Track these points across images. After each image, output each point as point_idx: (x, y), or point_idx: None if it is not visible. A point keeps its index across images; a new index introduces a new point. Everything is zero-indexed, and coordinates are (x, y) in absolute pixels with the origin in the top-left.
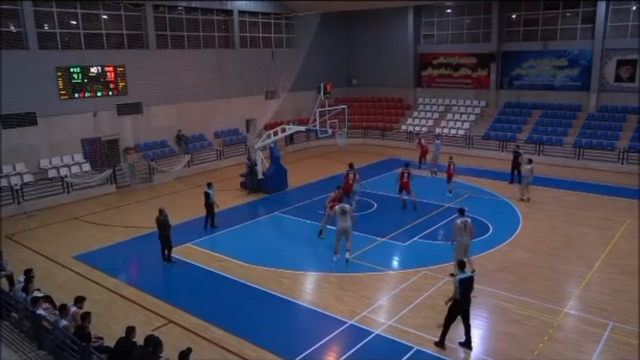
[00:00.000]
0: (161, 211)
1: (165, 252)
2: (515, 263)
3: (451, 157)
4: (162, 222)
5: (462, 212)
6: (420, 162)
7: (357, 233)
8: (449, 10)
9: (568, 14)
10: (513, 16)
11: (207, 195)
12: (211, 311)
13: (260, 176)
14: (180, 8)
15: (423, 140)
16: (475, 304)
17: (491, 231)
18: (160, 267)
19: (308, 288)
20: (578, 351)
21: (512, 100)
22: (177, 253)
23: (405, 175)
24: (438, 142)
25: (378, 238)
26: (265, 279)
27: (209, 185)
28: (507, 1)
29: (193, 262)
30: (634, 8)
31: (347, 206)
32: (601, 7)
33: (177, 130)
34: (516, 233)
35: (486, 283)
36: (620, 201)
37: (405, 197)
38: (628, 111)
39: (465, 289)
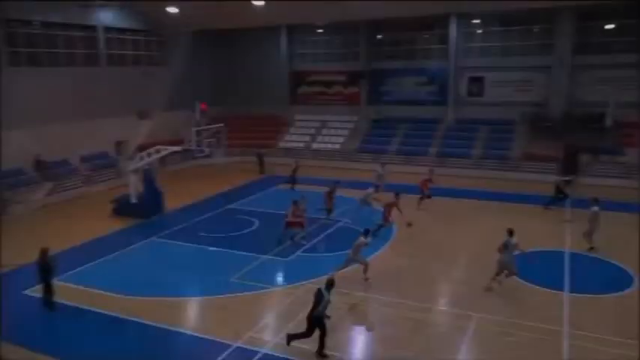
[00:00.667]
0: (44, 253)
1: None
2: (390, 268)
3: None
4: (47, 264)
5: (367, 233)
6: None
7: (238, 252)
8: (320, 30)
9: (426, 36)
10: (379, 37)
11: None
12: (85, 355)
13: (133, 200)
14: (35, 22)
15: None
16: (355, 311)
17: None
18: (22, 313)
19: (190, 314)
20: (449, 344)
21: (382, 115)
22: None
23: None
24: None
25: (261, 256)
26: (144, 309)
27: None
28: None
29: (61, 301)
30: (479, 31)
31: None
32: (452, 30)
33: (35, 155)
34: (392, 239)
35: (363, 289)
36: (479, 203)
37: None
38: (479, 122)
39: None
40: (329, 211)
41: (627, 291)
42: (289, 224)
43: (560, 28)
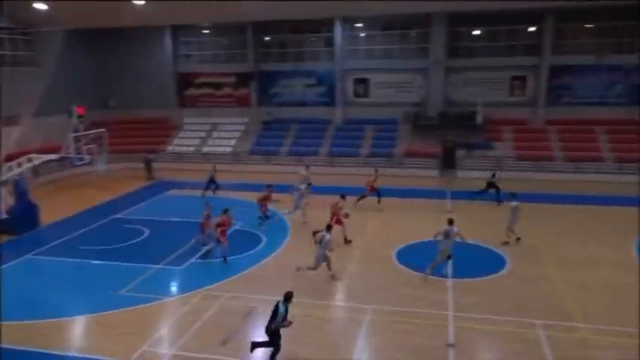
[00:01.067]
0: None
1: None
2: (289, 267)
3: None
4: None
5: (329, 228)
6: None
7: (126, 264)
8: (206, 31)
9: (313, 39)
10: (267, 38)
11: None
12: None
13: (3, 216)
14: None
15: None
16: (255, 313)
17: (264, 242)
18: None
19: (77, 335)
20: (346, 338)
21: (273, 116)
22: None
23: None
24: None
25: (153, 266)
26: (22, 336)
27: None
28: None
29: None
30: (363, 35)
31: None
32: (337, 33)
33: None
34: (286, 241)
35: (263, 292)
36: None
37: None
38: (366, 122)
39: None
40: (264, 217)
41: (501, 272)
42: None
43: (434, 32)
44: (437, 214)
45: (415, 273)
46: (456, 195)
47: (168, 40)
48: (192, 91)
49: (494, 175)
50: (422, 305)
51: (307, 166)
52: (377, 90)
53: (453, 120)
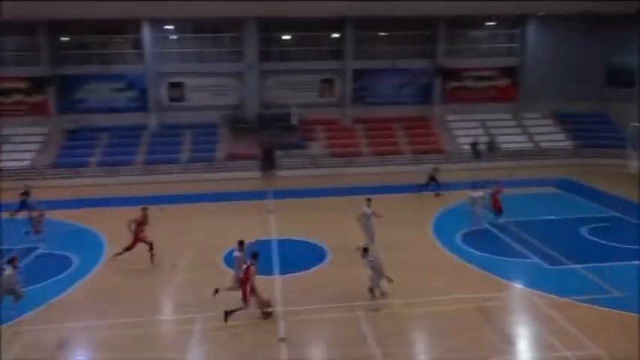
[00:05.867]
0: None
1: None
2: (105, 288)
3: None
4: None
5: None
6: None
7: None
8: None
9: (119, 40)
10: (65, 39)
11: None
12: None
13: None
14: None
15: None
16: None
17: (75, 264)
18: None
19: None
20: (177, 350)
21: (79, 125)
22: None
23: None
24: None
25: None
26: None
27: None
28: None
29: None
30: (174, 37)
31: None
32: (146, 34)
33: None
34: (102, 258)
35: (77, 319)
36: (193, 206)
37: None
38: (184, 127)
39: None
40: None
41: (323, 264)
42: None
43: (247, 36)
44: (260, 214)
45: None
46: (278, 194)
47: None
48: None
49: (435, 169)
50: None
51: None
52: (193, 94)
53: (270, 121)
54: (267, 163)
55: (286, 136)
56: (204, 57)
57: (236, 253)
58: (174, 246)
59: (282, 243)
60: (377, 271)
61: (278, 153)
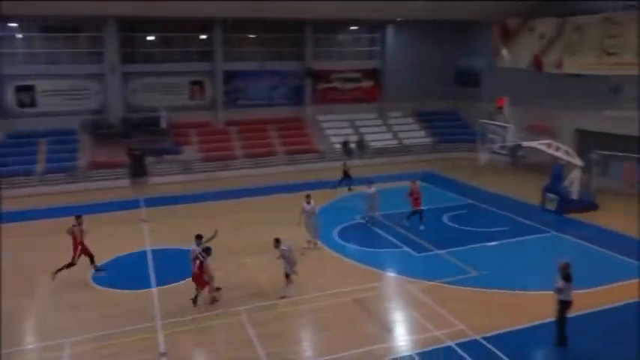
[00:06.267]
0: None
1: None
2: None
3: None
4: None
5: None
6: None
7: None
8: None
9: None
10: None
11: None
12: None
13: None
14: None
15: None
16: None
17: None
18: None
19: None
20: None
21: None
22: None
23: None
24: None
25: None
26: None
27: None
28: None
29: None
30: (20, 36)
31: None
32: None
33: None
34: None
35: None
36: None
37: None
38: (38, 135)
39: None
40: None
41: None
42: None
43: (107, 37)
44: (133, 224)
45: (118, 290)
46: (150, 202)
47: None
48: None
49: (345, 165)
50: (128, 322)
51: None
52: (46, 98)
53: (137, 126)
54: (137, 171)
55: (156, 141)
56: (59, 58)
57: (193, 247)
58: (36, 267)
59: (159, 253)
60: (289, 261)
61: (148, 159)
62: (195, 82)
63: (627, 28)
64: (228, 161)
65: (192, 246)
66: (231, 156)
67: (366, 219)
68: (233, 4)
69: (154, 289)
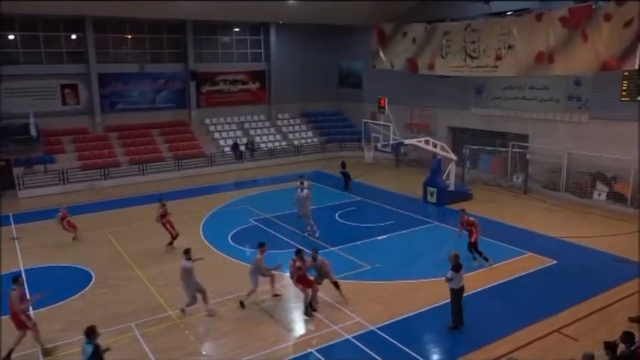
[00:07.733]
0: None
1: None
2: None
3: None
4: None
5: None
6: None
7: None
8: None
9: None
10: None
11: None
12: None
13: None
14: None
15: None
16: None
17: None
18: None
19: None
20: None
21: None
22: None
23: None
24: None
25: None
26: None
27: None
28: None
29: None
30: None
31: None
32: None
33: None
34: None
35: None
36: None
37: None
38: None
39: None
40: None
41: (89, 287)
42: None
43: None
44: (2, 243)
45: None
46: (21, 218)
47: None
48: None
49: (343, 165)
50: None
51: None
52: None
53: (2, 134)
54: (3, 184)
55: (26, 150)
56: None
57: (184, 263)
58: None
59: (35, 272)
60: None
61: (17, 170)
62: (67, 86)
63: (486, 34)
64: (110, 169)
65: (184, 262)
66: (114, 163)
67: (309, 228)
68: (101, 3)
69: (31, 312)
